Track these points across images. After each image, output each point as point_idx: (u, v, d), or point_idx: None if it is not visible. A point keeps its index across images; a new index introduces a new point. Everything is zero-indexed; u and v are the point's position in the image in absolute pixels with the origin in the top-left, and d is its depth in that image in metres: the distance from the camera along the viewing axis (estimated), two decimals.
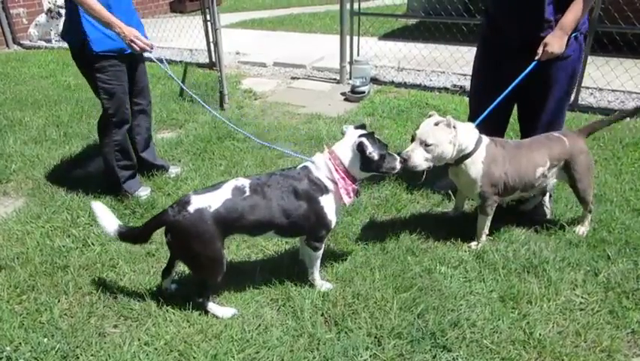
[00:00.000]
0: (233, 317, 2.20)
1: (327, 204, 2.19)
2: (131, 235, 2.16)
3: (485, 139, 2.54)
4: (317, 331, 2.11)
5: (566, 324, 2.16)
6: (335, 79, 5.91)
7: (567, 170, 2.68)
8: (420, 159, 2.40)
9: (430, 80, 5.69)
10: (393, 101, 4.97)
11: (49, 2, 7.99)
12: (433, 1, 7.08)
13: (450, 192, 3.18)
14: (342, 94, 5.39)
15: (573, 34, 2.57)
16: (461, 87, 5.32)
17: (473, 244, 2.71)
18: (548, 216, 2.95)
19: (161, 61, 3.00)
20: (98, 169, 3.58)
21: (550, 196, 2.99)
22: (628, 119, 4.42)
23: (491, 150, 2.52)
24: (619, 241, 2.68)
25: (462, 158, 2.49)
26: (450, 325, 2.13)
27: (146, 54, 2.97)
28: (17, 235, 2.84)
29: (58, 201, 3.16)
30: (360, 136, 2.15)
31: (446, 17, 6.22)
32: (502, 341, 2.07)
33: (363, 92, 5.18)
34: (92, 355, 2.03)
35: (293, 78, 6.09)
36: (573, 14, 2.49)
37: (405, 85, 5.58)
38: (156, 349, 2.04)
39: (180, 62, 6.57)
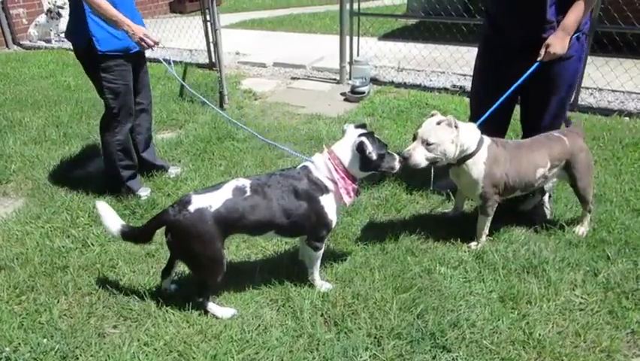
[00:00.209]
0: (233, 318, 2.20)
1: (328, 203, 2.19)
2: (134, 235, 2.17)
3: (487, 139, 2.54)
4: (317, 331, 2.11)
5: (566, 324, 2.16)
6: (335, 79, 5.91)
7: (567, 169, 2.68)
8: (421, 158, 2.40)
9: (430, 81, 5.69)
10: (393, 102, 4.97)
11: (49, 2, 8.00)
12: (432, 2, 7.08)
13: (449, 192, 3.19)
14: (342, 94, 5.39)
15: (575, 35, 2.57)
16: (461, 87, 5.32)
17: (473, 244, 2.71)
18: (548, 217, 2.95)
19: (168, 62, 3.00)
20: (97, 170, 3.59)
21: (549, 196, 2.99)
22: (627, 119, 4.44)
23: (493, 150, 2.52)
24: (618, 241, 2.68)
25: (464, 158, 2.49)
26: (450, 325, 2.13)
27: (154, 55, 2.96)
28: (17, 235, 2.84)
29: (57, 202, 3.16)
30: (360, 136, 2.15)
31: (446, 17, 6.22)
32: (502, 341, 2.07)
33: (363, 93, 5.18)
34: (91, 355, 2.03)
35: (293, 78, 6.09)
36: (575, 15, 2.49)
37: (405, 85, 5.58)
38: (156, 349, 2.04)
39: (180, 62, 6.58)
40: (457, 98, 5.08)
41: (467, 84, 5.23)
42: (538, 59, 2.58)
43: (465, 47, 5.52)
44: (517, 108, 3.01)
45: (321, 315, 2.22)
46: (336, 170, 2.16)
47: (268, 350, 2.03)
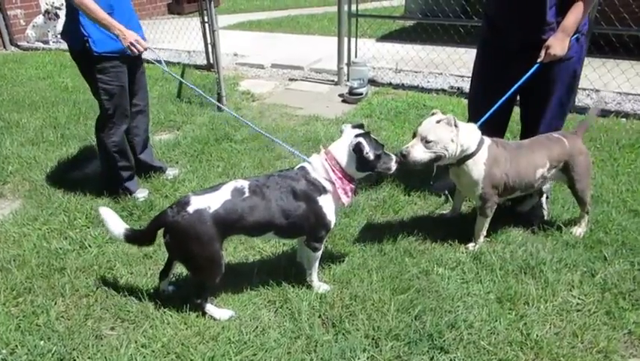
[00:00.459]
0: (231, 319, 2.20)
1: (326, 204, 2.19)
2: (136, 238, 2.17)
3: (487, 140, 2.55)
4: (314, 333, 2.11)
5: (563, 325, 2.17)
6: (333, 81, 5.91)
7: (566, 171, 2.69)
8: (419, 155, 2.41)
9: (428, 82, 5.71)
10: (391, 103, 4.97)
11: (46, 3, 7.99)
12: (430, 3, 7.09)
13: (447, 193, 3.19)
14: (340, 95, 5.39)
15: (574, 36, 2.58)
16: (459, 89, 5.33)
17: (471, 245, 2.71)
18: (545, 218, 2.95)
19: (159, 62, 3.00)
20: (95, 171, 3.58)
21: (547, 197, 3.00)
22: (624, 120, 4.46)
23: (493, 151, 2.53)
24: (615, 242, 2.69)
25: (464, 158, 2.50)
26: (447, 326, 2.13)
27: (144, 56, 2.97)
28: (14, 237, 2.83)
29: (55, 203, 3.15)
30: (357, 136, 2.15)
31: (443, 19, 6.23)
32: (500, 342, 2.07)
33: (361, 94, 5.19)
34: (88, 357, 2.02)
35: (291, 80, 6.09)
36: (574, 16, 2.50)
37: (402, 86, 5.59)
38: (153, 351, 2.03)
39: (178, 63, 6.58)
40: (454, 99, 5.09)
41: (465, 85, 5.25)
42: (539, 60, 2.59)
43: (462, 48, 5.53)
44: (516, 109, 3.02)
45: (319, 316, 2.22)
46: (333, 170, 2.16)
47: (266, 351, 2.03)
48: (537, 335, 2.10)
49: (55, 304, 2.31)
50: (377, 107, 4.85)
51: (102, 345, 2.08)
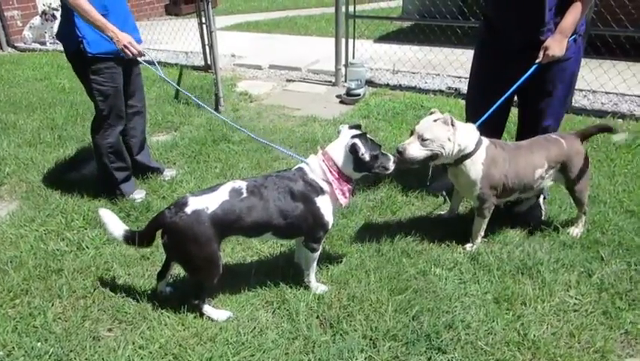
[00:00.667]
0: (229, 320, 2.20)
1: (324, 205, 2.20)
2: (135, 238, 2.17)
3: (485, 140, 2.55)
4: (312, 333, 2.11)
5: (560, 325, 2.17)
6: (330, 81, 5.92)
7: (564, 171, 2.69)
8: (415, 152, 2.41)
9: (425, 83, 5.72)
10: (389, 104, 4.98)
11: (43, 4, 7.98)
12: (427, 4, 7.12)
13: (445, 193, 3.19)
14: (338, 96, 5.39)
15: (572, 37, 2.59)
16: (456, 89, 5.34)
17: (468, 245, 2.72)
18: (543, 218, 2.96)
19: (152, 64, 3.00)
20: (92, 172, 3.57)
21: (544, 198, 3.01)
22: (620, 120, 4.47)
23: (491, 151, 2.54)
24: (612, 242, 2.70)
25: (462, 158, 2.50)
26: (445, 327, 2.14)
27: (140, 58, 2.98)
28: (11, 238, 2.82)
29: (52, 205, 3.15)
30: (353, 137, 2.15)
31: (441, 20, 6.25)
32: (497, 342, 2.07)
33: (359, 95, 5.19)
34: (86, 359, 2.02)
35: (288, 81, 6.09)
36: (572, 17, 2.50)
37: (400, 87, 5.60)
38: (151, 352, 2.03)
39: (176, 64, 6.58)
40: (451, 100, 5.10)
41: (462, 86, 5.26)
42: (537, 61, 2.59)
43: (460, 49, 5.54)
44: (513, 110, 3.03)
45: (317, 317, 2.22)
46: (330, 171, 2.16)
47: (264, 352, 2.03)
48: (534, 335, 2.10)
49: (53, 305, 2.30)
50: (375, 108, 4.86)
51: (99, 346, 2.08)
